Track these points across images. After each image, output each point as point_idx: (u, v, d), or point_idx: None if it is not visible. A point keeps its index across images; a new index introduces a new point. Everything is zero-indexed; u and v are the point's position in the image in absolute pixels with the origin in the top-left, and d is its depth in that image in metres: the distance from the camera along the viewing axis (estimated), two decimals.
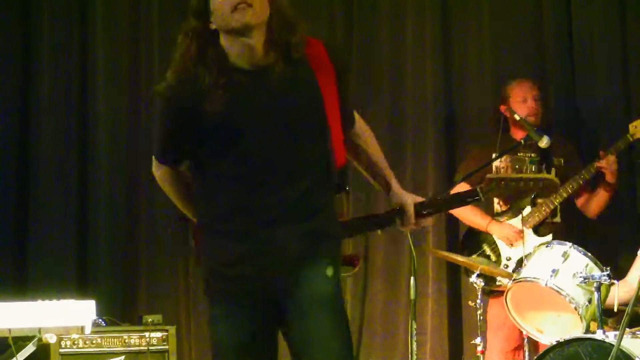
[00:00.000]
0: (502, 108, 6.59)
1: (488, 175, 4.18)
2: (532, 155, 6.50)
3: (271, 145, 3.71)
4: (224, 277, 3.81)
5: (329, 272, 3.76)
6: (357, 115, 4.00)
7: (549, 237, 6.33)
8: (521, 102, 6.52)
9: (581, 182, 6.37)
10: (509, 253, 6.41)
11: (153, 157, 4.00)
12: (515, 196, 5.72)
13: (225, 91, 3.68)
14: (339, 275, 3.80)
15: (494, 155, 6.42)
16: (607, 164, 6.32)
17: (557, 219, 6.40)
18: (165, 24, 7.37)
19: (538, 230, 6.37)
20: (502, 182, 4.16)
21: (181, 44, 3.76)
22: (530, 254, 6.03)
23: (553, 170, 4.32)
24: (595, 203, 6.48)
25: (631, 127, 6.37)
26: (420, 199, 4.02)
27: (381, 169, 4.04)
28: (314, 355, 3.73)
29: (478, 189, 4.14)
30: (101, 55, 7.33)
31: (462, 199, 4.32)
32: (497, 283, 6.19)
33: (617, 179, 6.42)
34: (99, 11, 7.33)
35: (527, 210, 6.39)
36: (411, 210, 3.97)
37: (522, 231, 6.31)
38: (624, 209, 6.79)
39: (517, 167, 6.54)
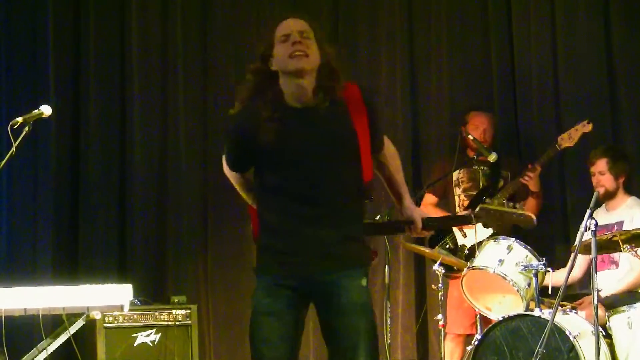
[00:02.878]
0: (463, 128, 6.59)
1: (481, 205, 4.18)
2: (485, 168, 6.53)
3: (313, 168, 3.74)
4: (273, 261, 3.80)
5: (364, 282, 3.80)
6: (386, 140, 4.00)
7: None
8: (474, 129, 6.53)
9: (509, 193, 6.36)
10: (463, 242, 6.39)
11: (223, 157, 3.98)
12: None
13: (278, 124, 3.71)
14: (368, 282, 3.84)
15: (457, 173, 6.44)
16: (531, 176, 6.31)
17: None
18: (188, 64, 7.34)
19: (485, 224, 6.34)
20: (492, 212, 4.15)
21: (248, 80, 3.82)
22: (480, 245, 6.00)
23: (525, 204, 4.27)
24: (527, 208, 6.45)
25: (559, 139, 6.37)
26: (426, 215, 4.03)
27: (398, 186, 4.02)
28: (341, 351, 3.75)
29: (472, 215, 4.15)
30: (137, 92, 7.25)
31: (457, 220, 4.38)
32: (455, 270, 6.17)
33: (541, 187, 6.41)
34: (135, 54, 7.28)
35: (477, 209, 6.36)
36: (419, 223, 3.96)
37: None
38: (555, 211, 6.77)
39: (472, 177, 6.61)
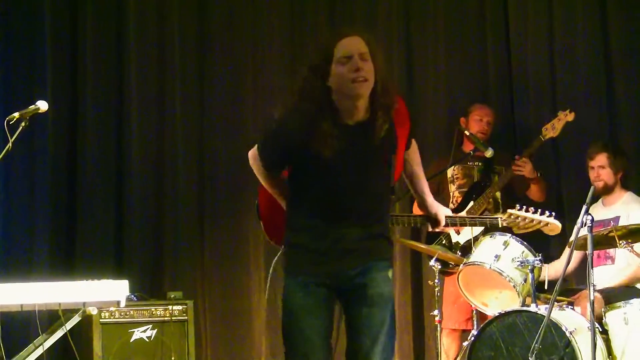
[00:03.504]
0: (462, 120, 6.60)
1: (509, 211, 4.33)
2: (479, 164, 6.53)
3: (354, 179, 3.87)
4: (305, 260, 3.92)
5: (390, 274, 3.98)
6: (413, 140, 4.12)
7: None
8: (477, 121, 6.54)
9: (502, 184, 6.43)
10: (457, 239, 6.39)
11: (255, 152, 4.03)
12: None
13: (334, 141, 3.79)
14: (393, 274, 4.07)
15: (453, 169, 6.44)
16: (521, 165, 6.34)
17: (500, 214, 6.34)
18: (185, 62, 7.31)
19: None
20: (519, 218, 4.30)
21: (303, 89, 3.86)
22: (476, 241, 5.99)
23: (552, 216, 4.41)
24: (533, 194, 6.49)
25: (543, 129, 6.44)
26: (449, 213, 4.20)
27: (421, 183, 4.19)
28: (364, 339, 3.90)
29: (499, 219, 4.31)
30: (134, 90, 7.22)
31: (482, 221, 4.55)
32: (451, 266, 6.16)
33: (535, 172, 6.43)
34: (133, 50, 7.25)
35: (470, 204, 6.38)
36: (443, 221, 4.15)
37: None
38: (551, 206, 6.72)
39: (467, 173, 6.61)
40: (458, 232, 6.39)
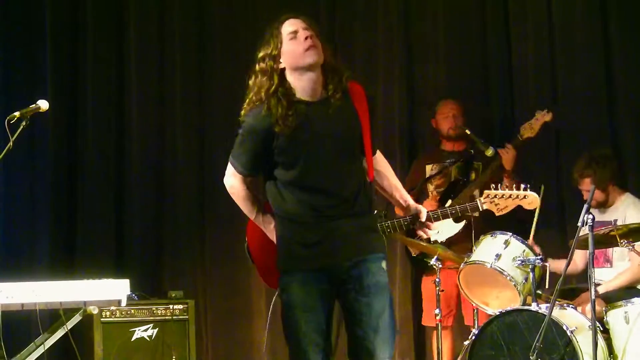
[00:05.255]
0: (433, 121, 6.62)
1: (486, 192, 4.45)
2: (458, 162, 6.48)
3: (328, 160, 3.93)
4: (300, 256, 3.97)
5: (384, 265, 4.02)
6: (378, 151, 4.19)
7: (463, 222, 6.29)
8: (445, 118, 6.52)
9: (485, 178, 6.30)
10: (435, 237, 6.20)
11: (229, 169, 4.11)
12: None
13: (293, 118, 3.88)
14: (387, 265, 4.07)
15: (430, 167, 6.41)
16: (507, 149, 6.28)
17: (476, 214, 6.16)
18: (185, 64, 7.32)
19: (456, 219, 6.30)
20: (496, 197, 4.41)
21: (255, 81, 4.01)
22: (477, 240, 5.94)
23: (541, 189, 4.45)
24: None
25: (521, 128, 6.36)
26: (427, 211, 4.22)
27: (400, 190, 4.22)
28: (366, 329, 3.93)
29: (478, 202, 4.45)
30: (134, 88, 7.25)
31: (463, 210, 4.55)
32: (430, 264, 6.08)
33: (514, 166, 6.32)
34: (133, 49, 7.26)
35: (448, 202, 6.33)
36: (424, 212, 4.19)
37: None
38: (550, 204, 6.72)
39: (443, 172, 6.55)
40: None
